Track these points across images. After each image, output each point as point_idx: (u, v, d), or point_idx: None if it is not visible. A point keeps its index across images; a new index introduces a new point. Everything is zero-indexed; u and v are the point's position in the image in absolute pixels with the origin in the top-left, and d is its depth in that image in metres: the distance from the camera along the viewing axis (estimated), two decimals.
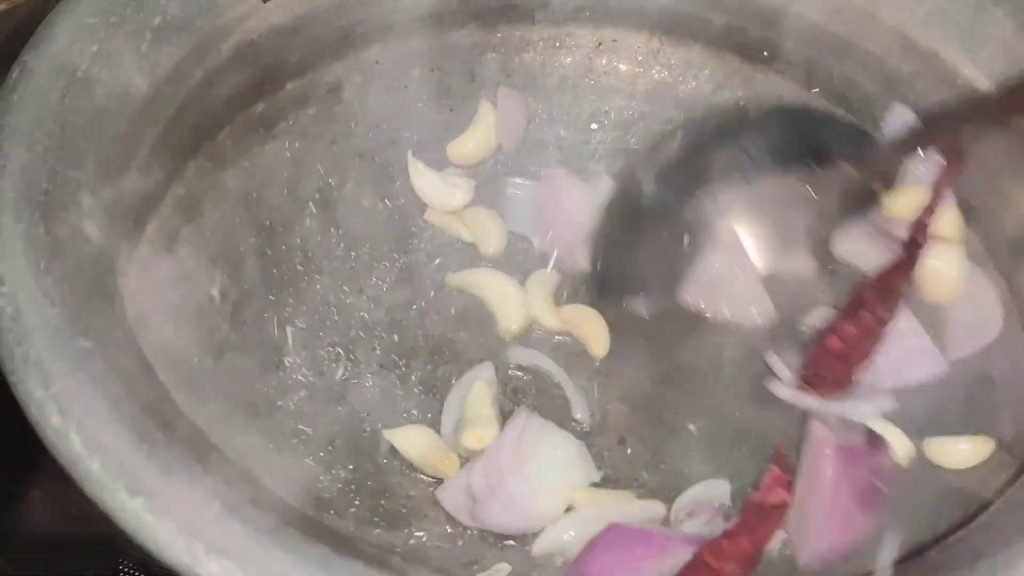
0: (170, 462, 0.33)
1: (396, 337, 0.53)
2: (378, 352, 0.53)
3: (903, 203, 0.48)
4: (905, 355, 0.47)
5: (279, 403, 0.49)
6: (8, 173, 0.38)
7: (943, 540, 0.35)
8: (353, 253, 0.55)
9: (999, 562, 0.33)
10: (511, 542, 0.46)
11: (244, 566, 0.31)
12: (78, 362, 0.35)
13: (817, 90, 0.55)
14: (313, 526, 0.35)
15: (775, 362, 0.48)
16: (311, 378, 0.51)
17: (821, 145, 0.49)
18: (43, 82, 0.41)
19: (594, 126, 0.59)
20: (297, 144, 0.54)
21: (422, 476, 0.49)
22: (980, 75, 0.49)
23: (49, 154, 0.39)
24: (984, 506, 0.37)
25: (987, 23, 0.49)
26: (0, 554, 0.49)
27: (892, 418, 0.46)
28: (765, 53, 0.56)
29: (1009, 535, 0.33)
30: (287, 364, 0.51)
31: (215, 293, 0.49)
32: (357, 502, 0.47)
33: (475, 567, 0.45)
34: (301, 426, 0.48)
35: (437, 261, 0.56)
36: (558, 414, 0.50)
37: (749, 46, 0.56)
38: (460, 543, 0.47)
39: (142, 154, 0.44)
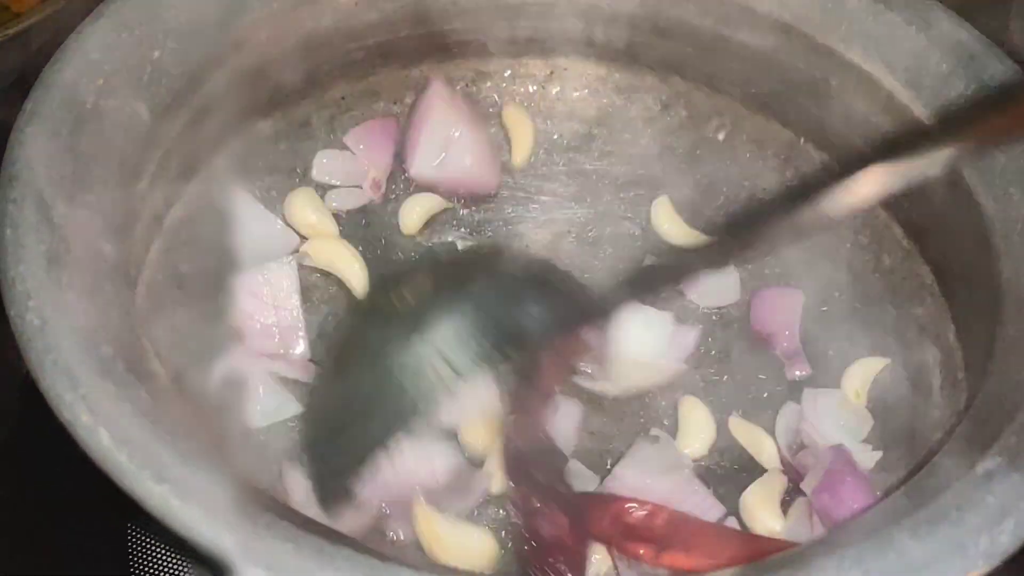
0: (189, 452, 0.38)
1: None
2: None
3: None
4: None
5: None
6: (27, 199, 0.42)
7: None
8: None
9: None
10: None
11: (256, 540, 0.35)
12: (102, 366, 0.39)
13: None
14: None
15: None
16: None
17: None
18: (54, 115, 0.44)
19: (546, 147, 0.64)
20: (272, 176, 0.58)
21: None
22: (898, 84, 0.54)
23: (64, 180, 0.43)
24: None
25: (902, 39, 0.54)
26: (10, 521, 0.52)
27: None
28: (703, 74, 0.61)
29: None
30: None
31: (213, 305, 0.53)
32: None
33: None
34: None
35: None
36: None
37: (689, 69, 0.61)
38: None
39: (147, 177, 0.48)
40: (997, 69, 0.52)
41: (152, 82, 0.48)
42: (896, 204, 0.57)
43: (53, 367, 0.38)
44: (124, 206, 0.45)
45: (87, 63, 0.46)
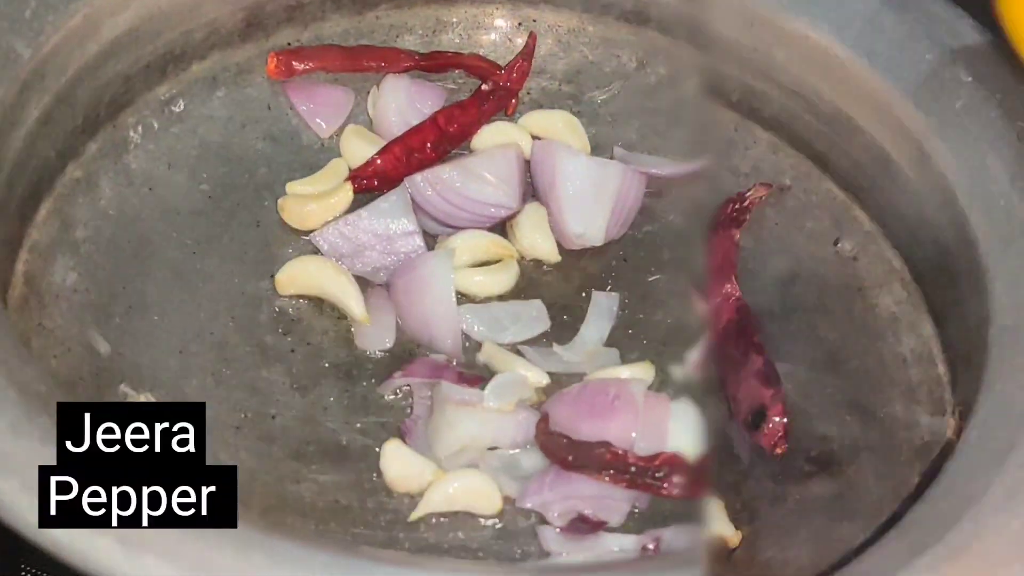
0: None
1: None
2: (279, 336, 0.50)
3: None
4: None
5: (184, 388, 0.47)
6: None
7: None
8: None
9: None
10: None
11: None
12: None
13: None
14: None
15: None
16: (216, 365, 0.48)
17: None
18: None
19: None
20: (204, 127, 0.53)
21: None
22: (851, 53, 0.50)
23: None
24: None
25: (852, 1, 0.50)
26: None
27: None
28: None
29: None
30: (192, 351, 0.49)
31: (113, 280, 0.48)
32: None
33: None
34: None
35: None
36: None
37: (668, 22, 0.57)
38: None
39: (28, 126, 0.44)
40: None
41: (36, 19, 0.44)
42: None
43: None
44: None
45: None
